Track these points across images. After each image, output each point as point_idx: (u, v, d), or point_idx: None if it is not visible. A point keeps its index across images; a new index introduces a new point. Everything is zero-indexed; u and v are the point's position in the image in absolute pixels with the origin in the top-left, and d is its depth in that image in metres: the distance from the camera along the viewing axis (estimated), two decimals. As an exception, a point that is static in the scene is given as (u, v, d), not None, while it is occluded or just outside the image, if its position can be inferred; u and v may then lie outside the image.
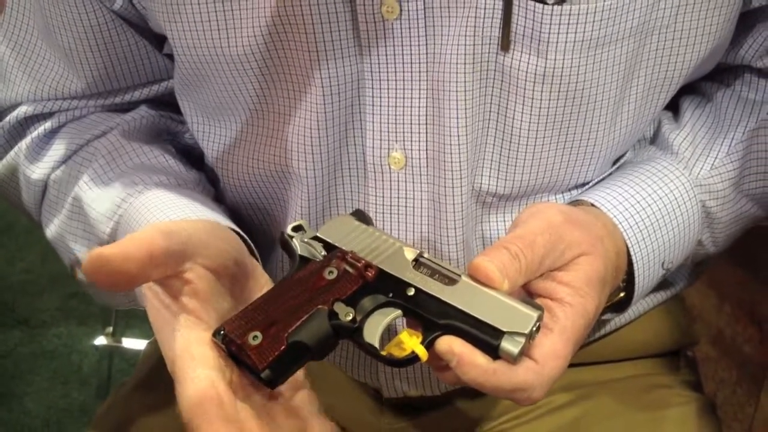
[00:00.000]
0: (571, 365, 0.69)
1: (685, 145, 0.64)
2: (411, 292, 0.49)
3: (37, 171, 0.65)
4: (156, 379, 0.71)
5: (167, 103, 0.69)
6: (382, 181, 0.59)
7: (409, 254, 0.50)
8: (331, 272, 0.49)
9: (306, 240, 0.51)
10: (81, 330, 1.78)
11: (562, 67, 0.55)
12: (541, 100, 0.56)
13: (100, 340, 1.63)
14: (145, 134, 0.67)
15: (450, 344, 0.47)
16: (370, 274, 0.49)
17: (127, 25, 0.63)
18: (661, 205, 0.61)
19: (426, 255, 0.50)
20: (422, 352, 0.48)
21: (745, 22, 0.62)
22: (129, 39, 0.63)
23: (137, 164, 0.64)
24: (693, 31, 0.58)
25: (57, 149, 0.65)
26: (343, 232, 0.51)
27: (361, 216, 0.53)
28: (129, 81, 0.65)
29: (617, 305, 0.61)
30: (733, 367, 1.17)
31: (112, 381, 1.63)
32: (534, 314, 0.48)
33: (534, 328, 0.48)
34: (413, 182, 0.59)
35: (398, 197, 0.60)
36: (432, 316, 0.48)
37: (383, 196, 0.60)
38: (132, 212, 0.59)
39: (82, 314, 1.81)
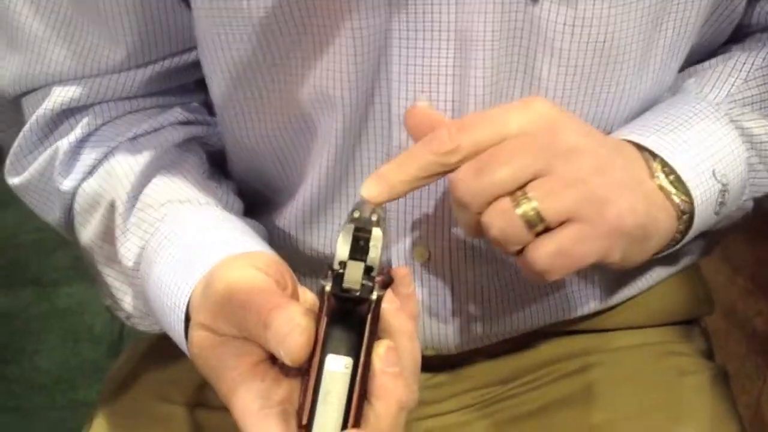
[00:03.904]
0: (585, 331, 0.70)
1: (697, 80, 0.63)
2: None
3: (66, 182, 0.63)
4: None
5: (196, 108, 0.68)
6: (407, 134, 0.59)
7: None
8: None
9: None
10: (92, 290, 1.79)
11: (592, 17, 0.55)
12: (569, 51, 0.56)
13: (113, 299, 1.64)
14: (173, 144, 0.65)
15: None
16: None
17: None
18: (685, 118, 0.59)
19: None
20: None
21: None
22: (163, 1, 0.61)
23: (165, 195, 0.61)
24: None
25: (87, 156, 0.63)
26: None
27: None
28: (165, 48, 0.63)
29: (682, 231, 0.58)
30: (742, 341, 1.17)
31: (124, 341, 1.64)
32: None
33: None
34: None
35: None
36: None
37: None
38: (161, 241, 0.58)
39: (93, 274, 1.82)
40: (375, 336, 0.45)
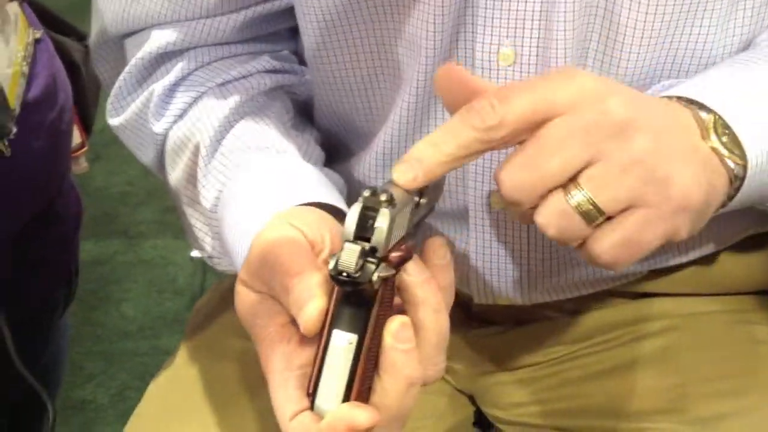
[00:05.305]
0: (661, 295, 0.70)
1: None
2: None
3: (159, 124, 0.65)
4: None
5: (285, 57, 0.69)
6: (490, 78, 0.59)
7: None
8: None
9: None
10: (176, 243, 1.85)
11: None
12: None
13: (196, 253, 1.68)
14: (260, 91, 0.66)
15: None
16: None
17: None
18: (744, 60, 0.56)
19: None
20: None
21: None
22: None
23: (246, 141, 0.62)
24: None
25: (179, 100, 0.65)
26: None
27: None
28: None
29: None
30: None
31: (205, 293, 1.69)
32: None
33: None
34: (521, 79, 0.58)
35: None
36: None
37: None
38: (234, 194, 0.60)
39: (178, 228, 1.88)
40: (390, 312, 0.45)
